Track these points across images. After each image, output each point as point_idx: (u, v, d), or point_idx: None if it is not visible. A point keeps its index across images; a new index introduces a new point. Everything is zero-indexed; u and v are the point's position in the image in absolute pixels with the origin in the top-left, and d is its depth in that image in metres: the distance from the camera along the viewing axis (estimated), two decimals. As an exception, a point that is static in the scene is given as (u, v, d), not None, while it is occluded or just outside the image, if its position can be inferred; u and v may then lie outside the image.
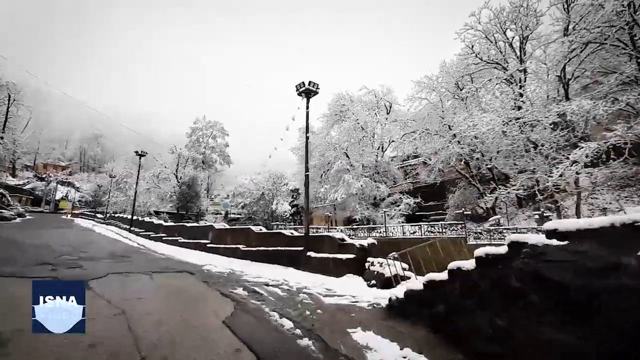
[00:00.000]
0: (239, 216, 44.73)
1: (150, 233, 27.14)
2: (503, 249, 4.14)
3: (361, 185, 30.88)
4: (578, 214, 22.63)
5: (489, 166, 25.90)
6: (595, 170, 19.96)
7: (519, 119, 20.93)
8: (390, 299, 5.43)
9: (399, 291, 5.65)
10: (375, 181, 33.35)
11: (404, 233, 24.32)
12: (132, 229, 31.79)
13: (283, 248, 12.30)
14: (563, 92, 23.22)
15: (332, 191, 31.75)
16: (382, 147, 35.60)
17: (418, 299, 4.88)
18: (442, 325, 4.32)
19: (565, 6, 23.23)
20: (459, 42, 28.72)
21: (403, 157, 42.02)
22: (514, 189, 22.92)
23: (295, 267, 11.11)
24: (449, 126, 27.51)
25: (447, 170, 31.46)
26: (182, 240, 21.16)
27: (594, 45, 19.01)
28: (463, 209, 29.39)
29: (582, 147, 16.53)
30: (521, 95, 22.73)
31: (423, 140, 29.61)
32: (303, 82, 12.41)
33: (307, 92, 12.48)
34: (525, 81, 24.78)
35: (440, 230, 22.44)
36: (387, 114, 34.75)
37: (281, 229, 32.01)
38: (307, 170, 13.12)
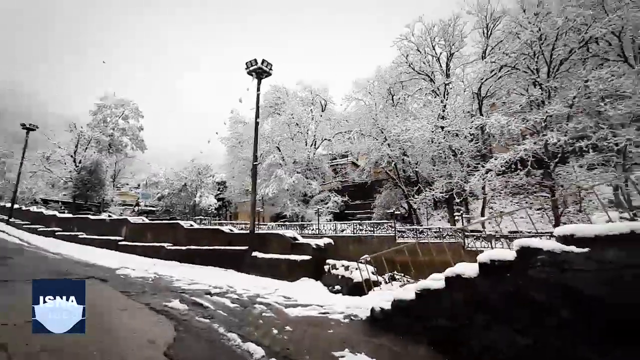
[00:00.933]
0: (152, 209, 39.86)
1: (39, 226, 21.99)
2: (510, 255, 3.87)
3: (293, 181, 30.25)
4: (483, 214, 25.76)
5: (415, 170, 27.72)
6: (494, 179, 22.69)
7: (443, 127, 22.71)
8: (373, 310, 4.78)
9: (377, 300, 5.05)
10: (307, 178, 33.08)
11: (335, 231, 24.41)
12: (11, 220, 25.51)
13: (222, 247, 10.78)
14: (477, 107, 26.13)
15: (262, 186, 30.39)
16: (315, 144, 35.55)
17: (409, 311, 4.36)
18: (446, 342, 3.85)
19: (486, 31, 26.07)
20: (396, 49, 30.27)
21: (333, 156, 42.73)
22: (437, 192, 24.93)
23: (237, 270, 9.80)
24: (381, 129, 28.59)
25: (375, 171, 32.87)
26: (84, 236, 17.49)
27: (508, 68, 21.51)
28: (391, 208, 31.09)
29: (497, 158, 18.57)
30: (445, 107, 24.75)
31: (357, 141, 30.31)
32: (255, 60, 10.99)
33: (259, 72, 11.16)
34: (448, 94, 27.18)
35: (370, 229, 23.10)
36: (322, 111, 34.78)
37: (205, 224, 29.43)
38: (255, 159, 11.87)
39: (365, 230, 22.81)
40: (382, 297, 5.28)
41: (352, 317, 5.08)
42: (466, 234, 20.00)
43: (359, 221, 27.12)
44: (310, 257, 8.81)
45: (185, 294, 6.81)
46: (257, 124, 12.20)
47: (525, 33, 19.24)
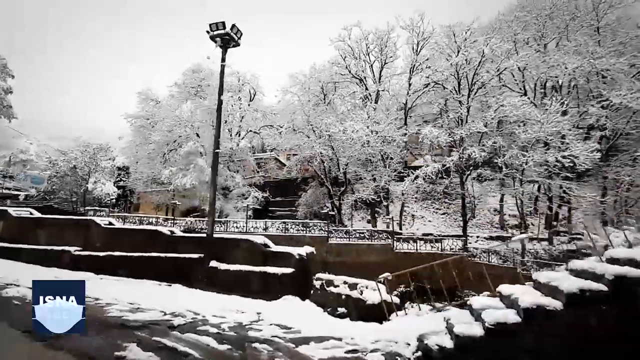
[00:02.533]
0: (18, 193, 31.11)
1: None
2: (598, 286, 3.58)
3: (216, 173, 27.47)
4: (401, 217, 27.80)
5: (345, 170, 28.15)
6: (413, 184, 24.56)
7: (377, 132, 23.54)
8: (426, 348, 3.89)
9: (412, 330, 4.24)
10: (230, 170, 30.54)
11: (266, 229, 22.98)
12: None
13: (163, 255, 8.37)
14: (404, 116, 28.06)
15: (179, 175, 26.72)
16: (240, 135, 33.08)
17: (477, 351, 3.67)
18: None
19: (416, 48, 27.97)
20: (332, 48, 30.28)
21: (258, 149, 40.66)
22: (365, 194, 25.75)
23: (187, 285, 7.64)
24: (312, 127, 28.15)
25: (304, 168, 32.34)
26: None
27: (435, 84, 23.45)
28: (314, 207, 31.00)
29: (429, 166, 19.96)
30: (373, 111, 25.67)
31: (287, 136, 29.23)
32: (223, 24, 8.76)
33: (226, 39, 8.98)
34: (378, 101, 28.47)
35: (302, 228, 22.42)
36: (251, 100, 32.49)
37: (100, 216, 24.22)
38: (217, 146, 9.64)
39: (298, 230, 21.99)
40: (415, 324, 4.58)
41: (396, 357, 4.06)
42: (400, 237, 20.95)
43: (285, 220, 26.21)
44: (293, 269, 7.43)
45: (138, 330, 4.75)
46: (220, 102, 10.13)
47: (453, 57, 21.05)
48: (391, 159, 25.18)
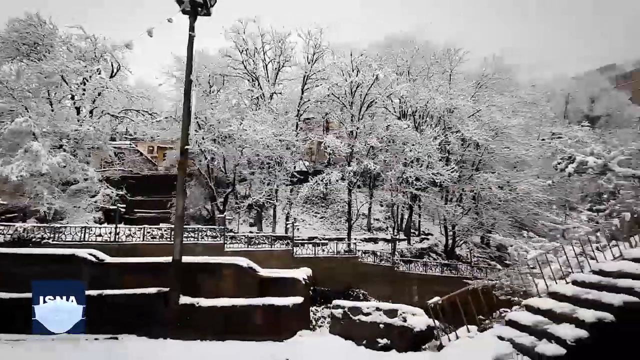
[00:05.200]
0: None
1: None
2: None
3: (59, 162, 20.50)
4: (286, 221, 28.05)
5: (233, 171, 26.18)
6: (305, 190, 25.57)
7: (279, 136, 23.15)
8: None
9: (480, 355, 4.22)
10: (78, 158, 23.50)
11: (144, 236, 18.89)
12: None
13: (92, 293, 5.03)
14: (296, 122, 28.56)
15: (-4, 162, 18.66)
16: (92, 114, 25.87)
17: None
18: None
19: (311, 58, 28.96)
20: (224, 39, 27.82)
21: (112, 135, 32.98)
22: (258, 197, 24.66)
23: (145, 334, 4.89)
24: (198, 121, 25.12)
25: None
26: None
27: (330, 95, 24.83)
28: (189, 209, 27.54)
29: (332, 173, 20.93)
30: (269, 113, 25.26)
31: (168, 124, 24.98)
32: None
33: (194, 4, 6.38)
34: (271, 102, 27.99)
35: (193, 235, 19.51)
36: (112, 76, 25.89)
37: None
38: (185, 141, 6.65)
39: (186, 237, 18.95)
40: (476, 348, 4.62)
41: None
42: (296, 243, 20.86)
43: (157, 225, 22.44)
44: (303, 298, 6.01)
45: None
46: (189, 84, 7.31)
47: (352, 75, 22.97)
48: (286, 162, 25.14)
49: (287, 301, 5.86)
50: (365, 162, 20.93)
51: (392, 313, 5.79)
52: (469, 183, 22.88)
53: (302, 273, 6.73)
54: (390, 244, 26.40)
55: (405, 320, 5.61)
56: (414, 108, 24.19)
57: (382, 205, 33.70)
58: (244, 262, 6.69)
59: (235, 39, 27.46)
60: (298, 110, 27.93)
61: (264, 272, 6.67)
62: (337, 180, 20.62)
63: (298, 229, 23.68)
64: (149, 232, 19.62)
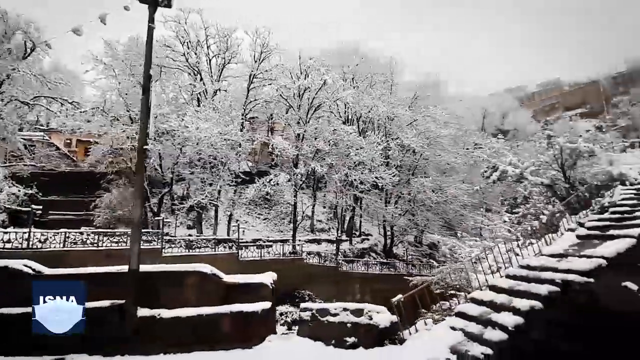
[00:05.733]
0: None
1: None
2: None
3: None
4: (229, 223, 27.16)
5: (171, 170, 24.47)
6: (251, 192, 25.22)
7: (225, 135, 22.36)
8: (474, 357, 4.33)
9: (438, 344, 4.65)
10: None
11: (69, 242, 16.74)
12: None
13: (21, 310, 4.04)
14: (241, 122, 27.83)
15: None
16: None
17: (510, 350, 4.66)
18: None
19: (258, 56, 28.47)
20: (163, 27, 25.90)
21: (21, 125, 28.49)
22: (200, 198, 23.47)
23: (99, 352, 4.14)
24: (130, 115, 23.12)
25: (111, 161, 25.46)
26: None
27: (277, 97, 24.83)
28: (116, 211, 25.10)
29: (280, 175, 20.88)
30: (213, 111, 24.32)
31: (94, 116, 22.40)
32: None
33: None
34: (214, 100, 26.87)
35: (124, 240, 17.79)
36: (25, 57, 22.25)
37: None
38: (144, 141, 5.81)
39: (117, 242, 17.30)
40: (433, 338, 5.11)
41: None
42: (241, 245, 20.33)
43: (87, 228, 20.23)
44: (271, 303, 5.78)
45: None
46: (148, 79, 6.37)
47: (301, 78, 23.32)
48: (231, 163, 24.35)
49: (256, 307, 5.75)
50: (312, 165, 21.28)
51: (358, 312, 6.10)
52: (407, 186, 24.69)
53: (268, 277, 6.61)
54: (333, 245, 27.23)
55: (371, 319, 5.97)
56: (358, 114, 25.30)
57: (324, 207, 34.51)
58: (207, 268, 6.34)
59: (175, 29, 25.77)
60: (244, 109, 27.24)
61: (228, 278, 6.43)
62: (285, 182, 20.60)
63: (244, 231, 23.06)
64: (69, 237, 17.27)
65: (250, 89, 27.78)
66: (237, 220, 25.07)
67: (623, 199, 8.56)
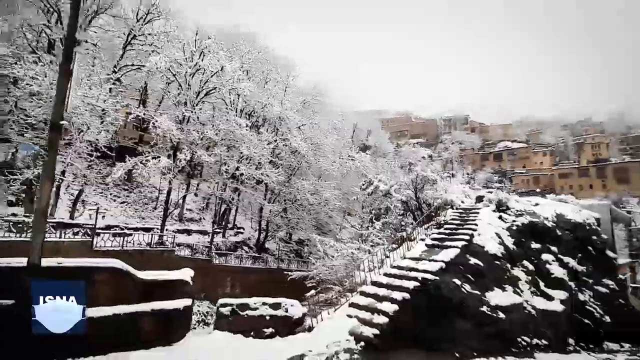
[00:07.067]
0: None
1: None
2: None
3: None
4: (57, 198, 22.50)
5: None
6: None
7: (90, 98, 18.78)
8: (367, 338, 5.41)
9: (338, 329, 5.73)
10: None
11: None
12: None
13: None
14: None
15: None
16: None
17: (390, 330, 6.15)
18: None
19: (141, 15, 24.73)
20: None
21: None
22: (36, 170, 18.89)
23: None
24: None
25: None
26: None
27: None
28: None
29: (161, 158, 19.04)
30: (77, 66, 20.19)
31: None
32: None
33: None
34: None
35: None
36: None
37: None
38: (60, 110, 3.92)
39: None
40: (334, 325, 6.17)
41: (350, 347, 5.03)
42: (98, 232, 17.45)
43: None
44: (192, 300, 5.16)
45: None
46: (72, 40, 4.51)
47: (196, 55, 21.94)
48: (88, 128, 20.35)
49: (178, 304, 5.50)
50: (200, 153, 20.16)
51: (276, 306, 6.69)
52: (288, 186, 26.19)
53: (187, 274, 6.36)
54: (204, 236, 26.23)
55: (287, 311, 6.67)
56: (252, 109, 25.28)
57: (196, 196, 32.59)
58: (119, 264, 5.54)
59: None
60: (114, 71, 23.25)
61: (144, 274, 5.78)
62: (165, 167, 18.77)
63: (104, 216, 19.61)
64: None
65: (127, 50, 23.95)
66: (97, 204, 21.22)
67: (452, 219, 12.04)
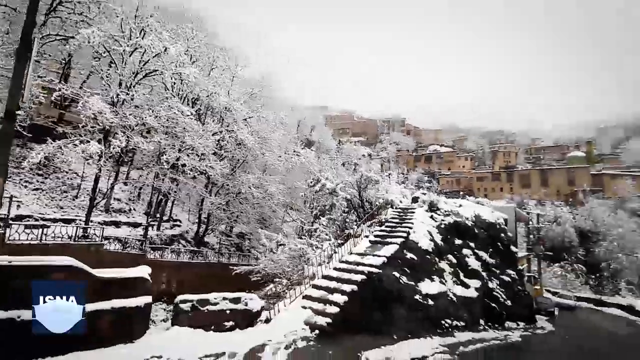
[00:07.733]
0: None
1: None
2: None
3: None
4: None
5: None
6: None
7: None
8: (320, 326, 5.87)
9: (294, 320, 6.15)
10: None
11: None
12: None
13: None
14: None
15: None
16: None
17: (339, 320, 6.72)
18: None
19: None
20: None
21: None
22: None
23: None
24: None
25: None
26: None
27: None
28: None
29: (91, 143, 17.42)
30: None
31: None
32: None
33: None
34: None
35: None
36: None
37: None
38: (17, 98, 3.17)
39: None
40: (290, 317, 6.60)
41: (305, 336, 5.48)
42: (11, 223, 15.41)
43: None
44: (151, 297, 4.77)
45: None
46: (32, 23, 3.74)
47: (135, 33, 20.47)
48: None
49: (139, 301, 5.30)
50: (136, 140, 18.78)
51: (236, 300, 6.84)
52: (232, 179, 25.67)
53: (145, 271, 6.06)
54: (135, 229, 24.49)
55: (246, 305, 6.87)
56: (196, 96, 24.16)
57: (126, 185, 30.06)
58: (72, 261, 5.08)
59: None
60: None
61: (101, 272, 5.38)
62: (94, 153, 17.11)
63: (19, 205, 17.06)
64: None
65: (50, 17, 21.00)
66: (7, 192, 18.49)
67: (392, 218, 13.31)
